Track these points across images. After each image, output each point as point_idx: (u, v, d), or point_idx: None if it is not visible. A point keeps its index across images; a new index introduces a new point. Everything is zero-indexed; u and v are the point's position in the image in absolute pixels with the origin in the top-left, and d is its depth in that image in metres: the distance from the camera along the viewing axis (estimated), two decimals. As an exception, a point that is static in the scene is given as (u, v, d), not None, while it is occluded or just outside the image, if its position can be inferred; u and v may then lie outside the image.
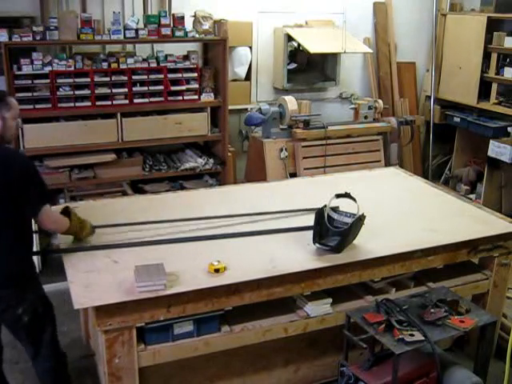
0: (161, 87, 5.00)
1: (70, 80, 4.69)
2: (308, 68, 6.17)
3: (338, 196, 3.14)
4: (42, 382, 2.98)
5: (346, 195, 3.12)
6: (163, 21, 4.86)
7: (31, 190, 2.66)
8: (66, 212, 2.98)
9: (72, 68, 4.69)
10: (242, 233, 3.21)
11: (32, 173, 2.71)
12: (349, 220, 3.10)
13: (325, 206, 3.14)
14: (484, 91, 5.98)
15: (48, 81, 4.62)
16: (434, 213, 3.63)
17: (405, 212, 3.65)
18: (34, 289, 2.80)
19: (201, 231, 3.23)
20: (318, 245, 3.04)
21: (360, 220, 3.07)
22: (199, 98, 5.18)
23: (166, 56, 5.01)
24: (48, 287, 4.34)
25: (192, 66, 5.11)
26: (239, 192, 4.08)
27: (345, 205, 3.17)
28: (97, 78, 4.78)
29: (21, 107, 4.50)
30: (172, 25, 4.93)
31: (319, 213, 3.09)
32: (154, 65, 4.96)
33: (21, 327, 2.76)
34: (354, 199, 3.09)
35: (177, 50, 5.19)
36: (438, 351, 2.77)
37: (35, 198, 2.69)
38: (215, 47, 5.28)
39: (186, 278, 2.73)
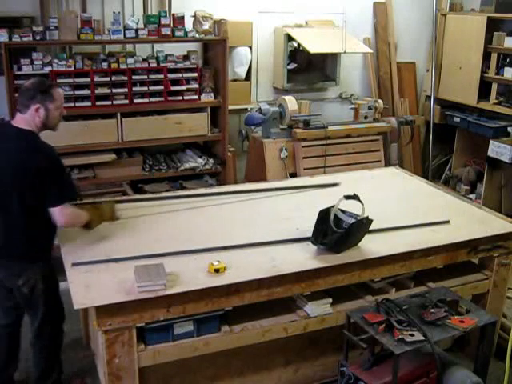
0: (161, 87, 4.99)
1: (70, 80, 4.69)
2: (308, 68, 6.16)
3: (348, 198, 3.12)
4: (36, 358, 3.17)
5: (355, 197, 3.11)
6: (163, 21, 4.86)
7: (51, 184, 2.78)
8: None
9: (72, 68, 4.68)
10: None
11: (56, 168, 2.83)
12: (353, 221, 3.09)
13: (332, 206, 3.14)
14: (484, 91, 5.97)
15: (48, 81, 4.63)
16: (433, 213, 3.62)
17: (404, 212, 3.65)
18: (38, 268, 2.92)
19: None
20: (319, 245, 3.04)
21: (363, 223, 3.06)
22: (199, 98, 5.18)
23: (166, 56, 5.00)
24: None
25: (192, 66, 5.10)
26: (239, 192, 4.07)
27: (356, 207, 3.16)
28: (97, 78, 4.77)
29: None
30: (172, 25, 4.92)
31: (323, 212, 3.08)
32: (154, 65, 4.96)
33: (20, 297, 2.98)
34: (361, 201, 3.08)
35: (177, 50, 5.19)
36: (437, 351, 2.77)
37: (54, 194, 2.81)
38: (215, 47, 5.28)
39: (186, 278, 2.73)
